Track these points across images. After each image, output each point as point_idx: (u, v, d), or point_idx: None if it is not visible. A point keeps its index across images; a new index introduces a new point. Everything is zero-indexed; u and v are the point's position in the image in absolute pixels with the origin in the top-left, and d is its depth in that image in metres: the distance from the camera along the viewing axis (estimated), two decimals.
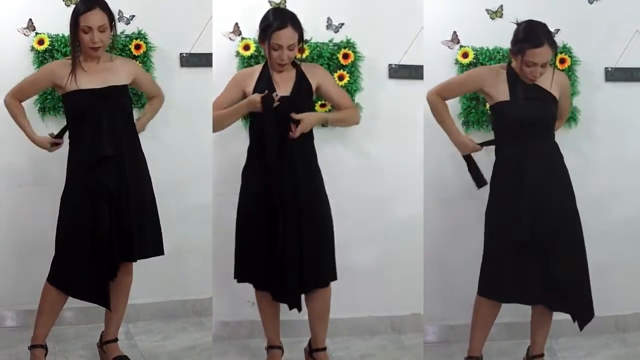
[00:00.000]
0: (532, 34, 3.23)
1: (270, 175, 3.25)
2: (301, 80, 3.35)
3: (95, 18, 3.18)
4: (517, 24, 3.31)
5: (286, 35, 3.23)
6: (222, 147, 3.77)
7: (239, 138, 3.64)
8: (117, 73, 3.32)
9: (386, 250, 3.93)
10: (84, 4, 3.20)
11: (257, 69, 3.40)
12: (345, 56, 3.80)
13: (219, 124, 3.39)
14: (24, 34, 3.76)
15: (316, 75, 3.41)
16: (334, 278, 3.39)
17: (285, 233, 3.25)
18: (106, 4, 3.25)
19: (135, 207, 3.27)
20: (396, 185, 3.90)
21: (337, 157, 3.84)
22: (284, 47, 3.24)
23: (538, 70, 3.26)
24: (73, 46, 3.23)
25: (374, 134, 3.89)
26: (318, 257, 3.32)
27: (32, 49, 3.75)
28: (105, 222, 3.19)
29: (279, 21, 3.23)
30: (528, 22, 3.29)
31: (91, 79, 3.25)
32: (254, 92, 3.29)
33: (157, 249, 3.40)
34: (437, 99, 3.46)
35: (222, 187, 3.78)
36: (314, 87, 3.39)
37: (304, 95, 3.35)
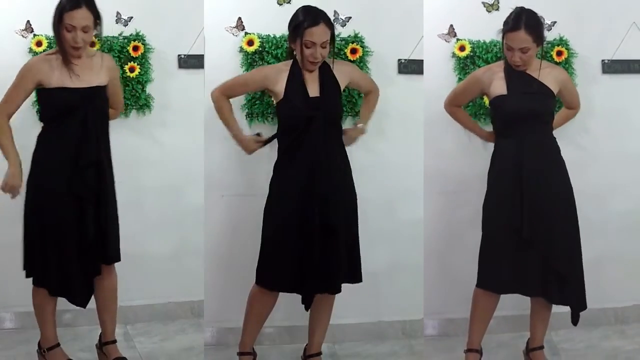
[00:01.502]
0: (512, 19, 3.27)
1: (309, 175, 3.25)
2: (330, 80, 3.34)
3: (79, 17, 3.10)
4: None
5: (319, 33, 3.21)
6: (221, 148, 3.73)
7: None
8: (98, 72, 3.26)
9: (397, 252, 3.88)
10: (71, 1, 3.10)
11: (284, 67, 3.34)
12: (353, 51, 3.75)
13: (219, 112, 3.40)
14: (22, 35, 3.75)
15: (346, 73, 3.41)
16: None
17: (322, 231, 3.24)
18: (93, 2, 3.17)
19: (110, 211, 3.29)
20: (406, 186, 3.83)
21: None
22: (318, 44, 3.22)
23: (517, 54, 3.28)
24: (59, 42, 3.17)
25: (384, 132, 3.83)
26: (355, 255, 3.38)
27: (30, 50, 3.73)
28: (91, 225, 3.20)
29: (312, 18, 3.21)
30: (518, 8, 3.31)
31: (75, 76, 3.19)
32: (285, 92, 3.27)
33: (114, 257, 3.38)
34: (452, 109, 3.58)
35: (222, 189, 3.77)
36: (344, 84, 3.38)
37: (333, 95, 3.34)
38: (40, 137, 3.28)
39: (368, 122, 3.55)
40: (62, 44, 3.16)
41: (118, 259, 3.36)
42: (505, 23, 3.30)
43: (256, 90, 3.43)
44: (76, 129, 3.19)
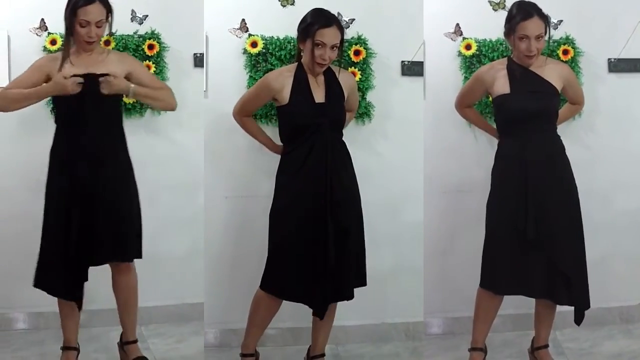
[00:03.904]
0: (521, 9, 3.28)
1: (320, 181, 3.25)
2: (334, 87, 3.35)
3: (94, 13, 3.15)
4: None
5: (331, 34, 3.22)
6: (224, 148, 3.77)
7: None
8: (108, 66, 3.26)
9: (399, 254, 3.88)
10: None
11: (287, 73, 3.34)
12: (357, 53, 3.76)
13: (246, 131, 3.50)
14: (36, 34, 3.78)
15: (349, 84, 3.42)
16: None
17: (334, 239, 3.24)
18: None
19: (110, 209, 3.25)
20: (408, 188, 3.83)
21: None
22: (328, 45, 3.23)
23: (532, 43, 3.27)
24: (67, 36, 3.21)
25: (387, 134, 3.83)
26: (359, 260, 3.38)
27: (45, 49, 3.76)
28: (74, 223, 3.19)
29: (325, 20, 3.23)
30: (517, 2, 3.32)
31: (80, 71, 3.20)
32: (290, 97, 3.28)
33: (130, 254, 3.36)
34: (462, 110, 3.61)
35: (226, 191, 3.80)
36: (346, 94, 3.39)
37: (338, 102, 3.36)
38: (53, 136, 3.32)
39: None
40: (75, 38, 3.20)
41: (128, 259, 3.36)
42: (513, 17, 3.28)
43: (269, 100, 3.42)
44: (72, 122, 3.21)
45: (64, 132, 3.26)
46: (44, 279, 3.30)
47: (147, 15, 3.86)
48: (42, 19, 3.80)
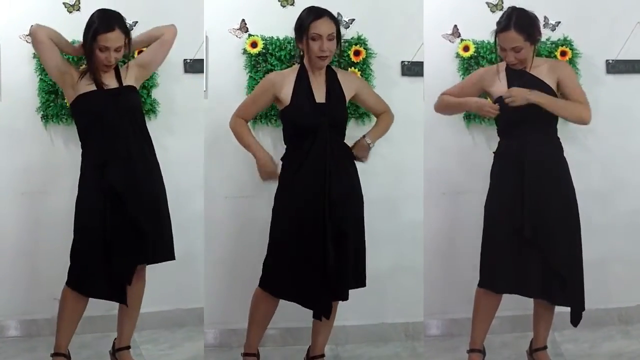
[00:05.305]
0: (501, 19, 3.29)
1: (319, 181, 3.25)
2: (335, 87, 3.34)
3: (113, 39, 3.20)
4: None
5: (324, 24, 3.22)
6: (223, 149, 3.75)
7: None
8: (123, 77, 3.33)
9: (399, 254, 3.88)
10: (104, 24, 3.20)
11: (290, 72, 3.35)
12: (357, 53, 3.76)
13: (238, 138, 3.42)
14: (26, 40, 3.72)
15: (353, 84, 3.41)
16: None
17: (332, 239, 3.24)
18: (124, 23, 3.27)
19: (148, 210, 3.28)
20: (408, 188, 3.84)
21: None
22: (324, 36, 3.22)
23: (510, 54, 3.29)
24: (88, 55, 3.24)
25: (387, 134, 3.70)
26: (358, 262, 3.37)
27: (34, 55, 3.72)
28: (116, 224, 3.22)
29: (315, 13, 3.24)
30: (509, 8, 3.33)
31: (100, 84, 3.26)
32: (292, 97, 3.28)
33: (168, 254, 3.40)
34: (442, 96, 3.55)
35: (225, 191, 3.81)
36: (349, 95, 3.38)
37: (339, 102, 3.35)
38: (81, 145, 3.33)
39: (375, 141, 3.48)
40: (94, 61, 3.23)
41: (158, 260, 3.37)
42: (498, 23, 3.30)
43: (268, 103, 3.41)
44: (100, 129, 3.24)
45: (95, 141, 3.26)
46: (86, 282, 3.27)
47: (137, 22, 3.81)
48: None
